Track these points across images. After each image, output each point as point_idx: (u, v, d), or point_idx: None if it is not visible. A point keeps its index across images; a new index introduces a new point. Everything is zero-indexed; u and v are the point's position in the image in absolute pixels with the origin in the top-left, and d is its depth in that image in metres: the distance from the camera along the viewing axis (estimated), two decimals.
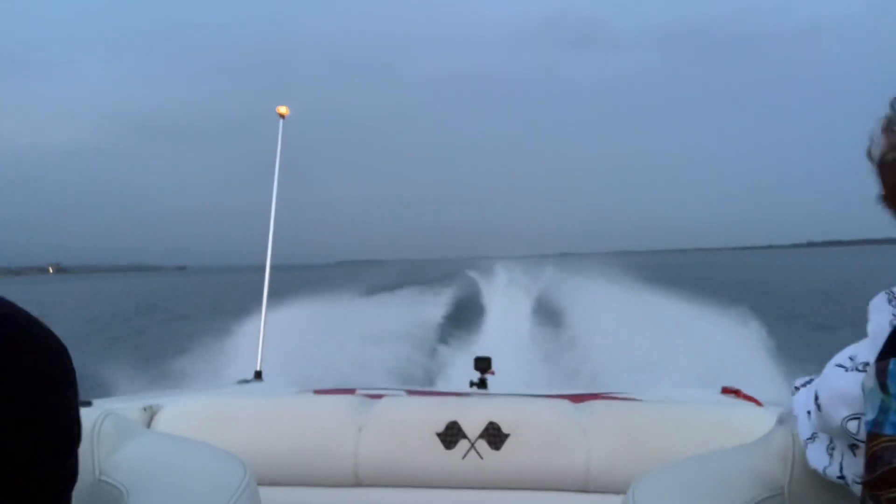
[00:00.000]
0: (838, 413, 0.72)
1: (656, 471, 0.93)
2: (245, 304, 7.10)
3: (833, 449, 0.77)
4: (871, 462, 0.64)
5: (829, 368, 0.76)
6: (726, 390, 2.43)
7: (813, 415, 0.79)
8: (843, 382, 0.72)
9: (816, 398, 0.77)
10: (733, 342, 7.62)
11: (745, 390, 2.35)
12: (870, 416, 0.66)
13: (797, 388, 0.91)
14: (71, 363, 0.65)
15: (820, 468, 0.79)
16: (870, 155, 0.73)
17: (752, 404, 2.09)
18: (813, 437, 0.80)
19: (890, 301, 0.74)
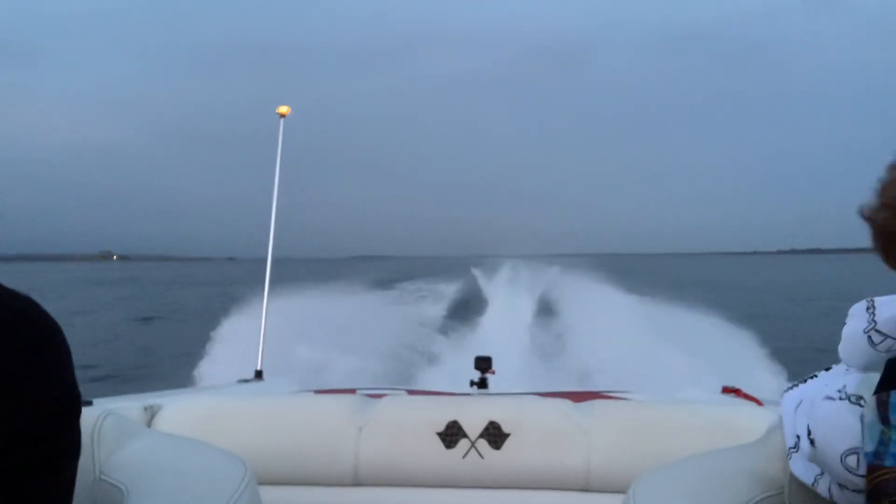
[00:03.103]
0: (836, 448, 0.71)
1: (657, 470, 0.92)
2: (246, 303, 7.10)
3: (821, 476, 0.76)
4: (874, 494, 0.64)
5: (819, 402, 0.74)
6: (726, 390, 2.42)
7: (805, 449, 0.76)
8: (839, 414, 0.71)
9: (809, 433, 0.74)
10: (733, 342, 7.61)
11: (745, 390, 2.34)
12: (869, 448, 0.66)
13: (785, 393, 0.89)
14: (63, 338, 0.65)
15: (807, 481, 0.77)
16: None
17: (752, 404, 2.08)
18: (797, 446, 0.78)
19: (868, 309, 0.74)
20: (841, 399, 0.71)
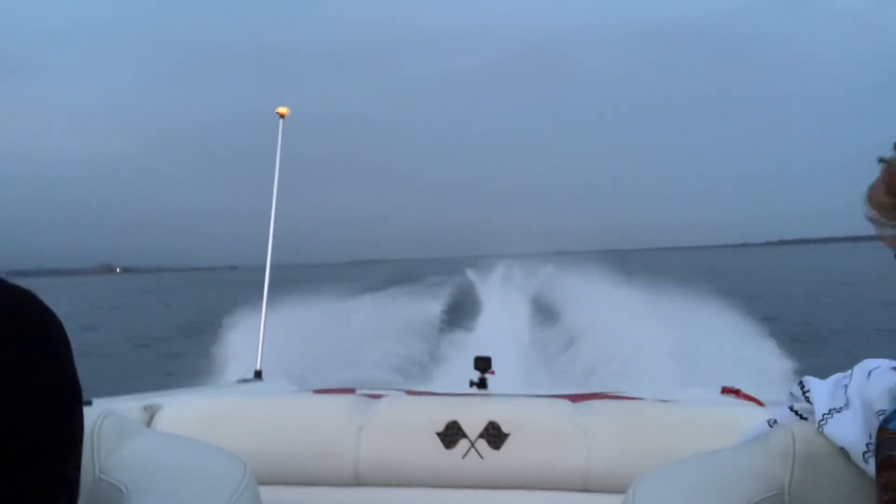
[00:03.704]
0: (874, 406, 0.85)
1: (656, 470, 0.93)
2: (246, 303, 7.10)
3: (868, 451, 0.87)
4: (878, 448, 0.80)
5: (885, 370, 0.88)
6: (726, 390, 2.42)
7: (860, 405, 0.89)
8: (886, 380, 0.85)
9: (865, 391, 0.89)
10: (733, 341, 7.61)
11: (745, 390, 2.34)
12: (887, 413, 0.80)
13: (802, 384, 1.00)
14: (63, 331, 0.66)
15: (846, 440, 0.88)
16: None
17: (752, 404, 2.08)
18: (831, 412, 0.91)
19: None
20: None
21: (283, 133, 3.88)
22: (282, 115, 3.92)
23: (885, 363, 0.89)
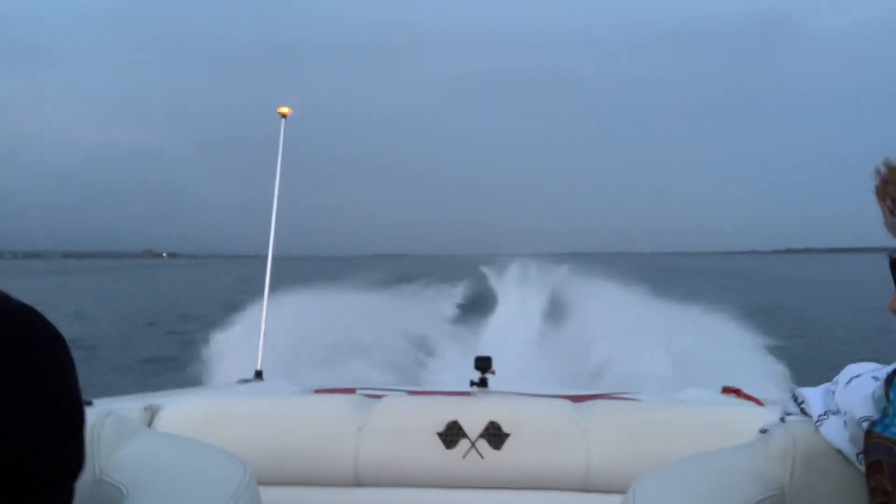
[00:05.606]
0: (857, 413, 0.87)
1: (657, 470, 0.93)
2: (247, 302, 7.09)
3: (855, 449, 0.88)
4: (866, 453, 0.83)
5: (866, 377, 0.90)
6: (726, 390, 2.42)
7: (847, 417, 0.89)
8: (867, 387, 0.87)
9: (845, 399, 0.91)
10: (733, 342, 7.61)
11: (745, 390, 2.34)
12: (873, 418, 0.83)
13: (794, 396, 1.01)
14: (69, 352, 0.64)
15: (840, 443, 0.89)
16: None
17: (752, 404, 2.09)
18: (826, 414, 0.93)
19: None
20: (877, 379, 0.87)
21: (284, 133, 3.88)
22: (283, 115, 3.92)
23: (867, 370, 0.90)
